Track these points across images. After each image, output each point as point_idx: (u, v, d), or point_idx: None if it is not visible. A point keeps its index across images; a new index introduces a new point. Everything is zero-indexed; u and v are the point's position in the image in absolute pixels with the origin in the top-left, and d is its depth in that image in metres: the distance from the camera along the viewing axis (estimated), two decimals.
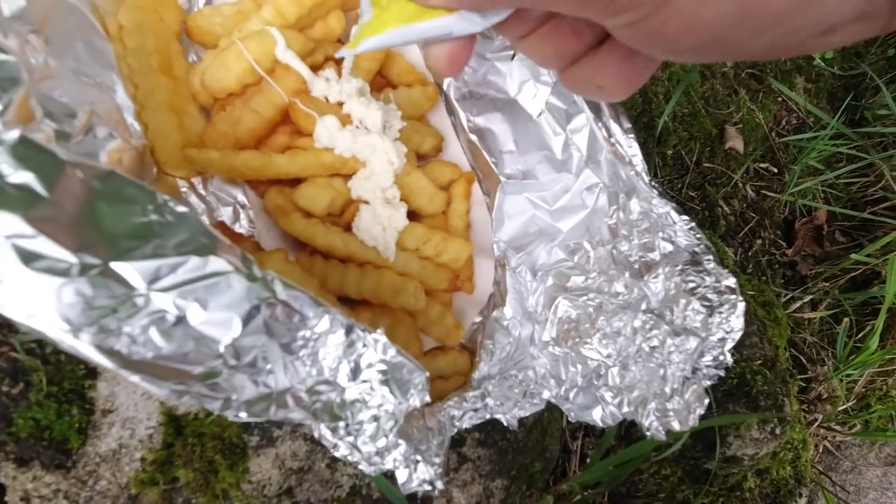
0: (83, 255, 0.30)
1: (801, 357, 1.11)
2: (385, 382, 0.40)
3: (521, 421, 0.58)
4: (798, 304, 1.13)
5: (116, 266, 0.31)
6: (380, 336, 0.39)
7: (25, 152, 0.29)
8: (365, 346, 0.40)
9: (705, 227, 1.09)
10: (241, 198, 0.62)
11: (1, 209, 0.28)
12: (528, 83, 0.65)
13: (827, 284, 1.16)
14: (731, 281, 0.56)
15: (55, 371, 0.56)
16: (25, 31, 0.44)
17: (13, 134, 0.29)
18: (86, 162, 0.31)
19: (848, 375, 1.09)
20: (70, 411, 0.56)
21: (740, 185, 1.16)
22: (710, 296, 0.56)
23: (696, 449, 0.86)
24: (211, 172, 0.57)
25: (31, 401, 0.55)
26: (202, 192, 0.61)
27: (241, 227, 0.61)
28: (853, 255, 1.10)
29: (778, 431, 0.87)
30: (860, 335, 1.13)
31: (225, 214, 0.61)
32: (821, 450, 1.12)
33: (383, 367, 0.40)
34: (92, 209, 0.31)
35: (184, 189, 0.59)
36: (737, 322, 0.54)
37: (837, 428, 1.11)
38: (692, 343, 0.54)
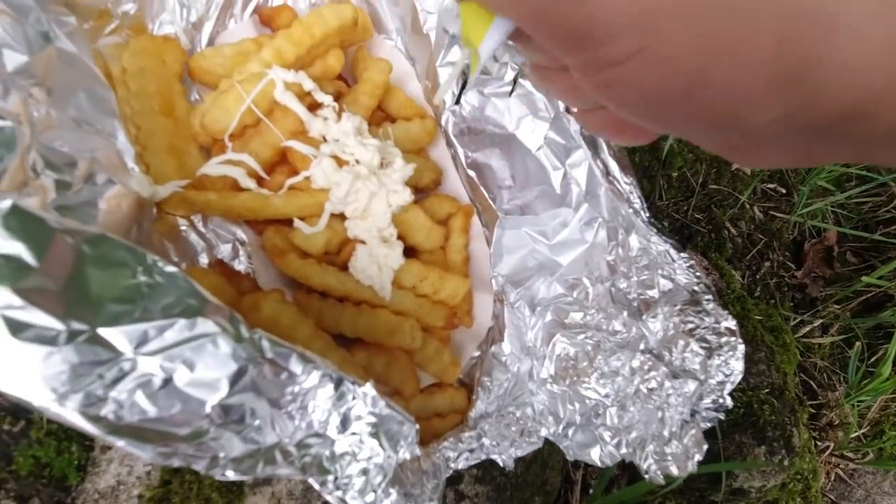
0: (71, 322, 0.30)
1: (812, 382, 1.09)
2: (374, 435, 0.40)
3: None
4: (808, 327, 1.11)
5: (104, 331, 0.31)
6: (369, 389, 0.40)
7: (16, 223, 0.30)
8: (354, 398, 0.40)
9: (712, 250, 1.08)
10: (241, 234, 0.62)
11: None
12: (526, 118, 0.65)
13: (838, 307, 1.14)
14: (731, 322, 0.55)
15: None
16: (28, 85, 0.45)
17: (5, 204, 0.30)
18: (76, 227, 0.32)
19: (861, 401, 1.07)
20: (70, 448, 0.57)
21: (747, 206, 1.14)
22: (709, 337, 0.55)
23: (701, 480, 0.84)
24: (209, 213, 0.58)
25: (32, 438, 0.55)
26: (202, 229, 0.61)
27: (241, 264, 0.62)
28: (864, 278, 1.08)
29: (786, 463, 0.85)
30: (873, 360, 1.10)
31: (224, 251, 0.62)
32: (833, 478, 1.09)
33: (373, 419, 0.40)
34: (81, 274, 0.31)
35: (183, 227, 0.60)
36: (737, 365, 0.53)
37: (850, 455, 1.09)
38: (691, 386, 0.53)
